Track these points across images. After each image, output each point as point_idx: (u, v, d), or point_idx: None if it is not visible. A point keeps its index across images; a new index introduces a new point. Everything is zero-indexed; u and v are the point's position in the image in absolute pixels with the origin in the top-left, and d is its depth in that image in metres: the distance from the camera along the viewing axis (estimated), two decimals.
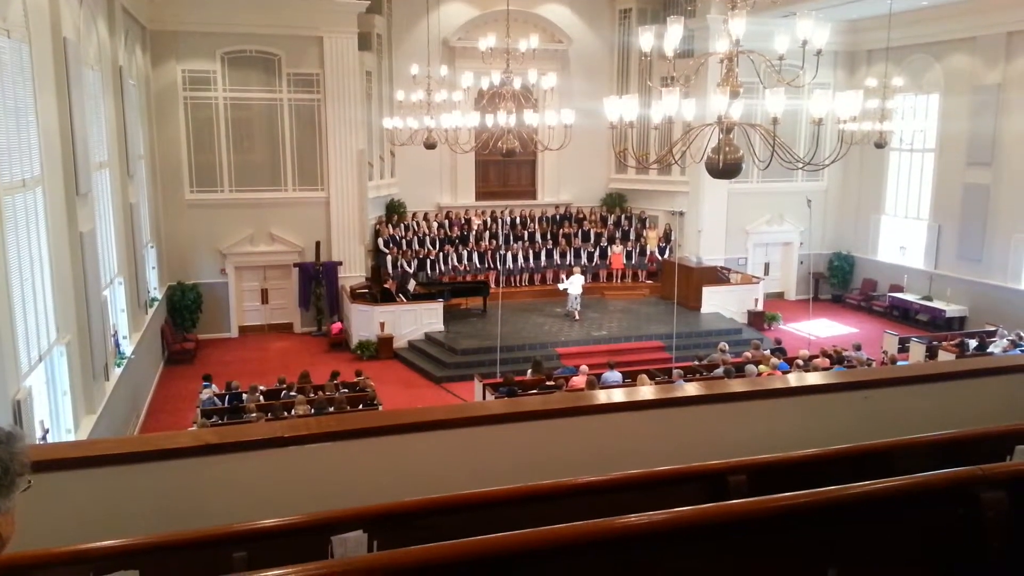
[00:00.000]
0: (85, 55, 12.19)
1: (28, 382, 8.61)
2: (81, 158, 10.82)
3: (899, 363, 14.86)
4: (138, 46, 18.01)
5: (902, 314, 22.31)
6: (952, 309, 20.88)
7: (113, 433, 11.78)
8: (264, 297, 21.58)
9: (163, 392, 16.87)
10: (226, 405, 13.51)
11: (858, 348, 15.90)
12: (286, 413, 12.48)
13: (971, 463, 2.50)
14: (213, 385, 14.30)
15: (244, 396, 13.66)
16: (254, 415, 12.42)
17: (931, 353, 16.52)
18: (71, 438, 9.92)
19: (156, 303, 18.02)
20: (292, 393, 13.91)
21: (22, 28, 9.23)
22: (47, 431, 9.36)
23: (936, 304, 21.28)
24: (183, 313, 20.04)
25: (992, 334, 17.27)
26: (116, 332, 13.63)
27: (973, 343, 16.45)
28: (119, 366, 13.19)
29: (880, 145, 16.75)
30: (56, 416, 9.87)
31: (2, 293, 7.88)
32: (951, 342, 16.66)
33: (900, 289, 22.66)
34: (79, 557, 2.52)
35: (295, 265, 21.18)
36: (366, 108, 21.44)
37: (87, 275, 10.88)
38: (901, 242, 23.50)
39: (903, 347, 17.50)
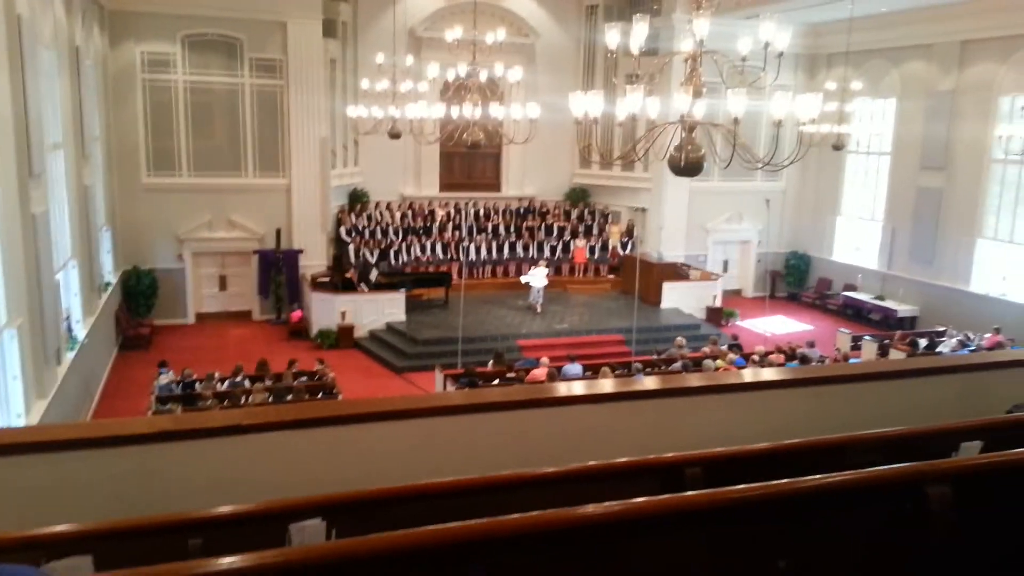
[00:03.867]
0: (40, 34, 11.87)
1: None
2: (34, 138, 10.55)
3: (852, 360, 15.17)
4: (96, 26, 17.58)
5: (855, 313, 22.75)
6: (904, 309, 21.34)
7: (65, 418, 11.53)
8: (222, 284, 21.28)
9: (117, 377, 16.56)
10: (181, 392, 13.30)
11: (812, 345, 16.19)
12: (244, 400, 12.34)
13: (919, 459, 2.58)
14: (171, 371, 14.06)
15: (198, 385, 13.45)
16: (210, 402, 12.27)
17: (883, 351, 16.87)
18: (21, 423, 9.71)
19: (110, 287, 17.67)
20: (238, 380, 13.58)
21: None
22: None
23: (888, 304, 21.73)
24: (138, 298, 19.69)
25: (942, 334, 17.72)
26: (69, 316, 13.33)
27: (923, 342, 16.84)
28: (71, 350, 12.92)
29: (838, 147, 17.05)
30: (6, 401, 9.65)
31: None
32: (902, 341, 17.04)
33: (854, 288, 23.11)
34: (31, 543, 2.47)
35: (255, 252, 20.91)
36: (330, 96, 21.23)
37: (39, 258, 10.64)
38: (856, 243, 23.97)
39: (856, 345, 17.85)
